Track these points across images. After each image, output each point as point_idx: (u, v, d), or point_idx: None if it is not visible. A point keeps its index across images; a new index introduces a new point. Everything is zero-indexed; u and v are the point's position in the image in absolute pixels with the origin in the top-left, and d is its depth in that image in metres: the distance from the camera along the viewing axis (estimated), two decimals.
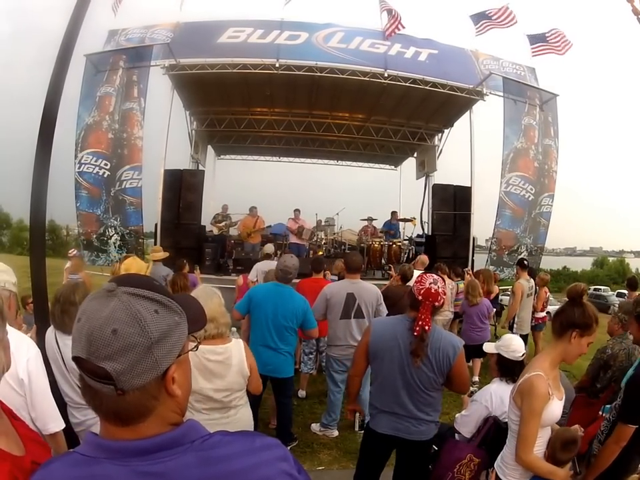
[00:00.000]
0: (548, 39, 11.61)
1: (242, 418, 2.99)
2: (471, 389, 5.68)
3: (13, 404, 1.62)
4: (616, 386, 3.59)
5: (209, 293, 2.97)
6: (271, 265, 7.21)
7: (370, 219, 13.40)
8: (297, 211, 13.21)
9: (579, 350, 2.38)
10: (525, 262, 8.72)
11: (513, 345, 3.24)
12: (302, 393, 6.58)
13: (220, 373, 2.85)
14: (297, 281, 6.00)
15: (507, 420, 2.71)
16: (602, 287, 42.87)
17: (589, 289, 40.03)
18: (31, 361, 2.15)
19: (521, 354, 3.21)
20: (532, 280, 8.48)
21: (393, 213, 13.85)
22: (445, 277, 8.14)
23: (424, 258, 8.50)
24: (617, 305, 5.66)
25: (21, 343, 2.19)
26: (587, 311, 2.37)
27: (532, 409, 2.29)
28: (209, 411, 2.84)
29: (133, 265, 4.92)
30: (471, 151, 11.78)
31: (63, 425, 2.29)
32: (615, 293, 36.67)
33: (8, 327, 1.25)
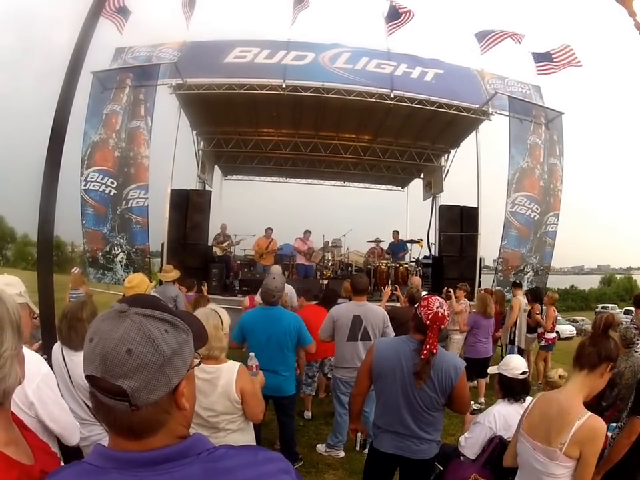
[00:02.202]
0: (553, 56, 11.68)
1: (230, 442, 2.89)
2: (476, 406, 5.65)
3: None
4: (621, 404, 3.62)
5: (207, 315, 2.91)
6: None
7: (377, 241, 13.36)
8: (307, 232, 13.12)
9: (604, 384, 2.31)
10: (518, 282, 9.49)
11: (512, 363, 3.31)
12: (307, 414, 6.53)
13: (204, 392, 2.80)
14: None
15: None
16: (610, 305, 42.66)
17: (597, 307, 39.80)
18: (41, 384, 2.20)
19: (521, 371, 3.26)
20: (525, 298, 8.77)
21: (393, 233, 13.82)
22: (463, 295, 8.32)
23: (415, 280, 8.52)
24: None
25: (31, 362, 2.22)
26: (617, 343, 2.33)
27: (597, 450, 2.16)
28: (196, 427, 2.76)
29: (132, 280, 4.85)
30: (478, 171, 11.76)
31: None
32: (623, 311, 36.37)
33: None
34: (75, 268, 10.28)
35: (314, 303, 6.85)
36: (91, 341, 0.93)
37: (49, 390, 2.25)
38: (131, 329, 0.91)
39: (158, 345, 0.91)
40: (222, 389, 2.84)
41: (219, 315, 3.01)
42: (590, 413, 2.18)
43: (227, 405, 2.87)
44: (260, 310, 4.62)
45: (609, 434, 3.10)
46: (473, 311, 8.11)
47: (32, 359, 2.20)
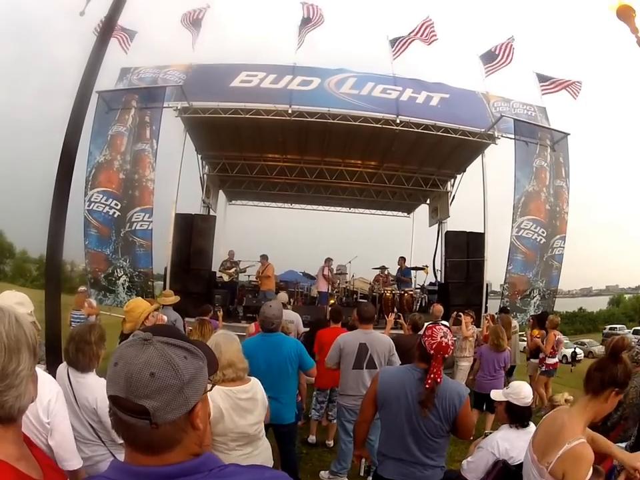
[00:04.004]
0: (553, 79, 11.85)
1: (266, 446, 3.31)
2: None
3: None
4: (626, 424, 3.66)
5: (229, 339, 3.24)
6: (286, 314, 7.11)
7: (383, 268, 13.33)
8: (329, 259, 13.10)
9: (610, 408, 2.30)
10: (507, 307, 10.67)
11: (523, 392, 3.35)
12: (312, 439, 6.49)
13: (251, 409, 3.11)
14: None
15: (516, 463, 2.82)
16: (617, 326, 42.38)
17: (605, 328, 39.49)
18: (52, 402, 2.32)
19: (530, 399, 3.35)
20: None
21: (399, 259, 13.74)
22: (471, 322, 8.21)
23: (438, 308, 8.37)
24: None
25: (43, 382, 2.26)
26: (627, 368, 2.27)
27: (580, 477, 2.14)
28: (243, 447, 3.06)
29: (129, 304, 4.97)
30: (484, 196, 11.75)
31: (82, 462, 2.48)
32: (632, 331, 36.09)
33: None
34: (82, 287, 10.23)
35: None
36: (116, 364, 1.02)
37: (61, 407, 2.40)
38: (154, 355, 1.01)
39: (178, 370, 1.01)
40: (261, 401, 3.21)
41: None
42: (582, 440, 2.15)
43: (264, 413, 3.25)
44: (260, 337, 4.62)
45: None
46: (483, 343, 7.84)
47: (44, 378, 2.34)
